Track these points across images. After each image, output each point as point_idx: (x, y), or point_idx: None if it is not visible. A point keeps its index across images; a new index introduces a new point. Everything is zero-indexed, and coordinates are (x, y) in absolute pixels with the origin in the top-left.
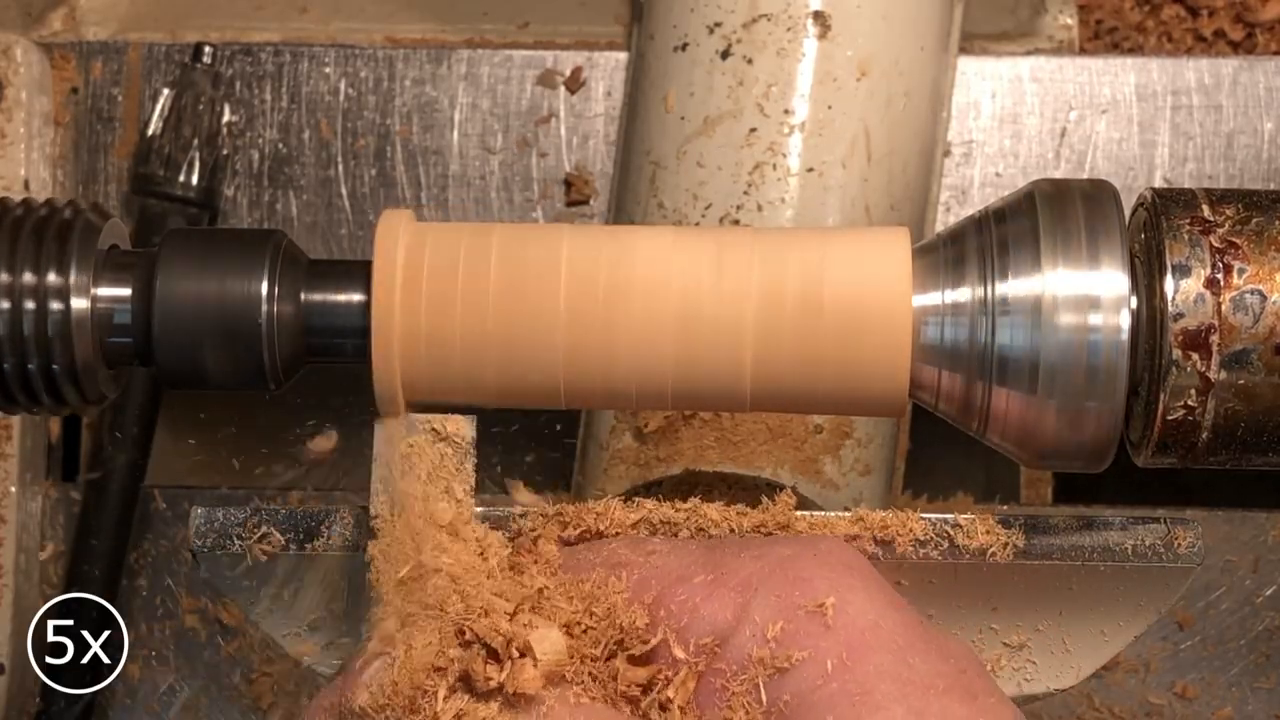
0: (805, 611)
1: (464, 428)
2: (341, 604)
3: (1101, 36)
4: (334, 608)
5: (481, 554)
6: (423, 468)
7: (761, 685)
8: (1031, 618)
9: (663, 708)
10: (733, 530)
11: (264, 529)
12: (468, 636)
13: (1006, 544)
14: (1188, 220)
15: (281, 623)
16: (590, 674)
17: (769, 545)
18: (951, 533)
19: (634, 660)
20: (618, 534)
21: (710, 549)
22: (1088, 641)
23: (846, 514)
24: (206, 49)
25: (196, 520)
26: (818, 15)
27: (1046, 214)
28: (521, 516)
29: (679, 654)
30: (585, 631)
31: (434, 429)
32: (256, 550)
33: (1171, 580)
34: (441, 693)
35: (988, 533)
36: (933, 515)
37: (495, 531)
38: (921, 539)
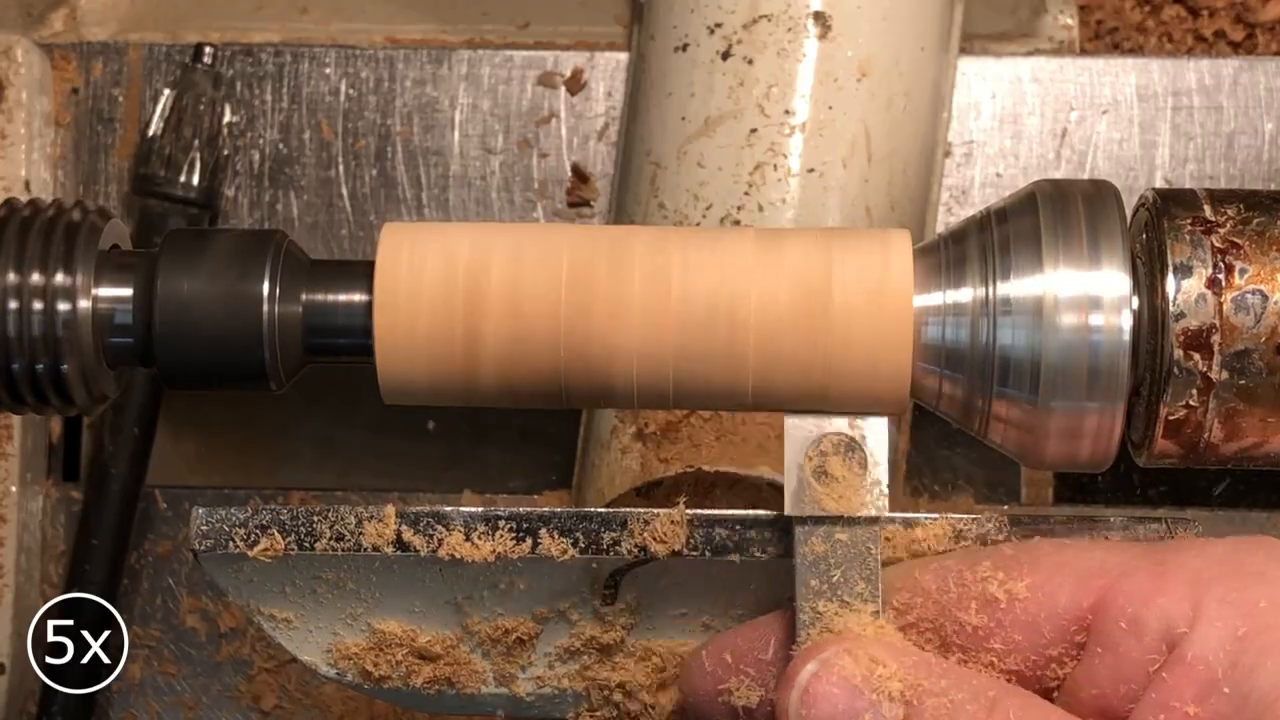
0: (1267, 606)
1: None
2: (343, 603)
3: (1102, 37)
4: (334, 606)
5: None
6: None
7: (1227, 682)
8: None
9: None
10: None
11: (265, 529)
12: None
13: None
14: (1189, 220)
15: (285, 621)
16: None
17: (1205, 543)
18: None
19: (1065, 657)
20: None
21: (1142, 547)
22: None
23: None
24: (207, 49)
25: (197, 520)
26: (818, 16)
27: (1048, 214)
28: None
29: (1135, 649)
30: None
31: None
32: (257, 550)
33: None
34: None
35: (990, 530)
36: (956, 515)
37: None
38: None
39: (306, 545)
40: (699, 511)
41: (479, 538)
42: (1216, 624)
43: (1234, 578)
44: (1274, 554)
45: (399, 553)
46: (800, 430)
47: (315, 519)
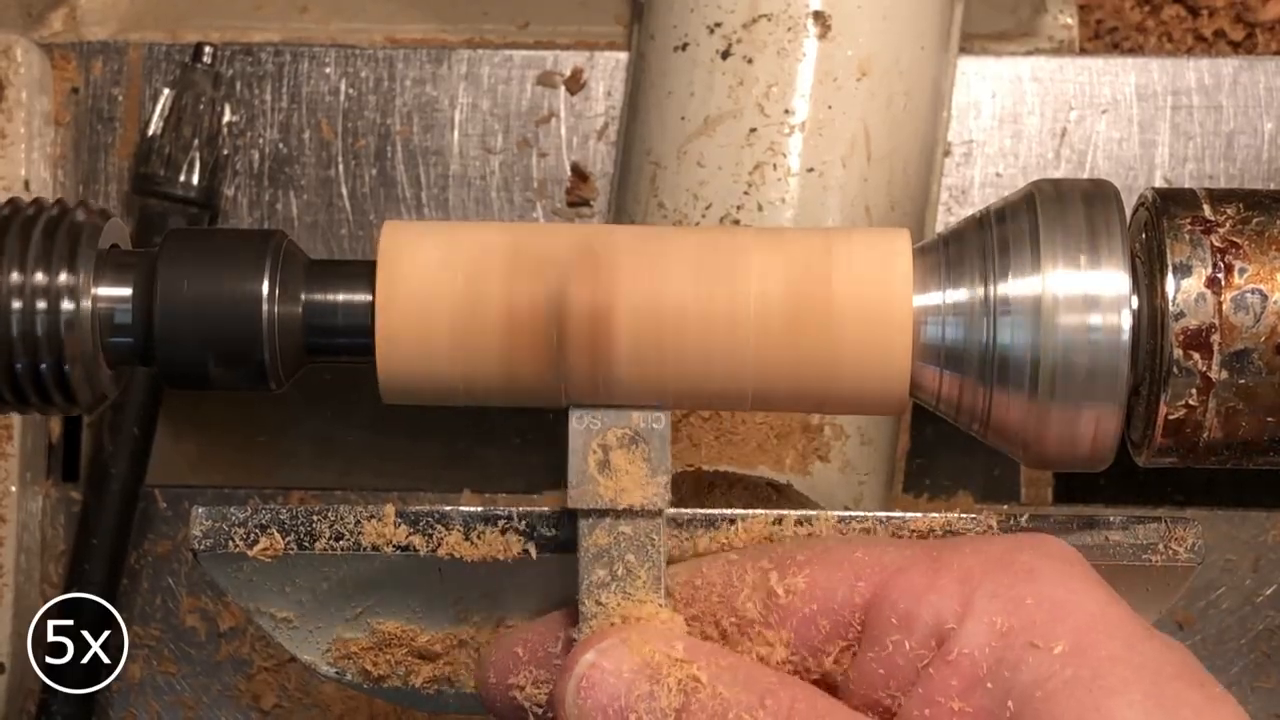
0: (1033, 603)
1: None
2: (343, 603)
3: (1102, 36)
4: (334, 606)
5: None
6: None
7: (991, 678)
8: None
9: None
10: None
11: (264, 528)
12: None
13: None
14: (1189, 220)
15: (285, 621)
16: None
17: (983, 540)
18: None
19: (842, 652)
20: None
21: (921, 544)
22: None
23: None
24: (207, 49)
25: (197, 520)
26: (818, 15)
27: (1047, 214)
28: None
29: (906, 644)
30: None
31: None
32: (257, 550)
33: (1171, 580)
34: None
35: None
36: (934, 514)
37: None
38: (922, 535)
39: (306, 545)
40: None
41: (479, 537)
42: (983, 620)
43: (1004, 575)
44: (1045, 551)
45: (399, 553)
46: (584, 423)
47: (315, 519)
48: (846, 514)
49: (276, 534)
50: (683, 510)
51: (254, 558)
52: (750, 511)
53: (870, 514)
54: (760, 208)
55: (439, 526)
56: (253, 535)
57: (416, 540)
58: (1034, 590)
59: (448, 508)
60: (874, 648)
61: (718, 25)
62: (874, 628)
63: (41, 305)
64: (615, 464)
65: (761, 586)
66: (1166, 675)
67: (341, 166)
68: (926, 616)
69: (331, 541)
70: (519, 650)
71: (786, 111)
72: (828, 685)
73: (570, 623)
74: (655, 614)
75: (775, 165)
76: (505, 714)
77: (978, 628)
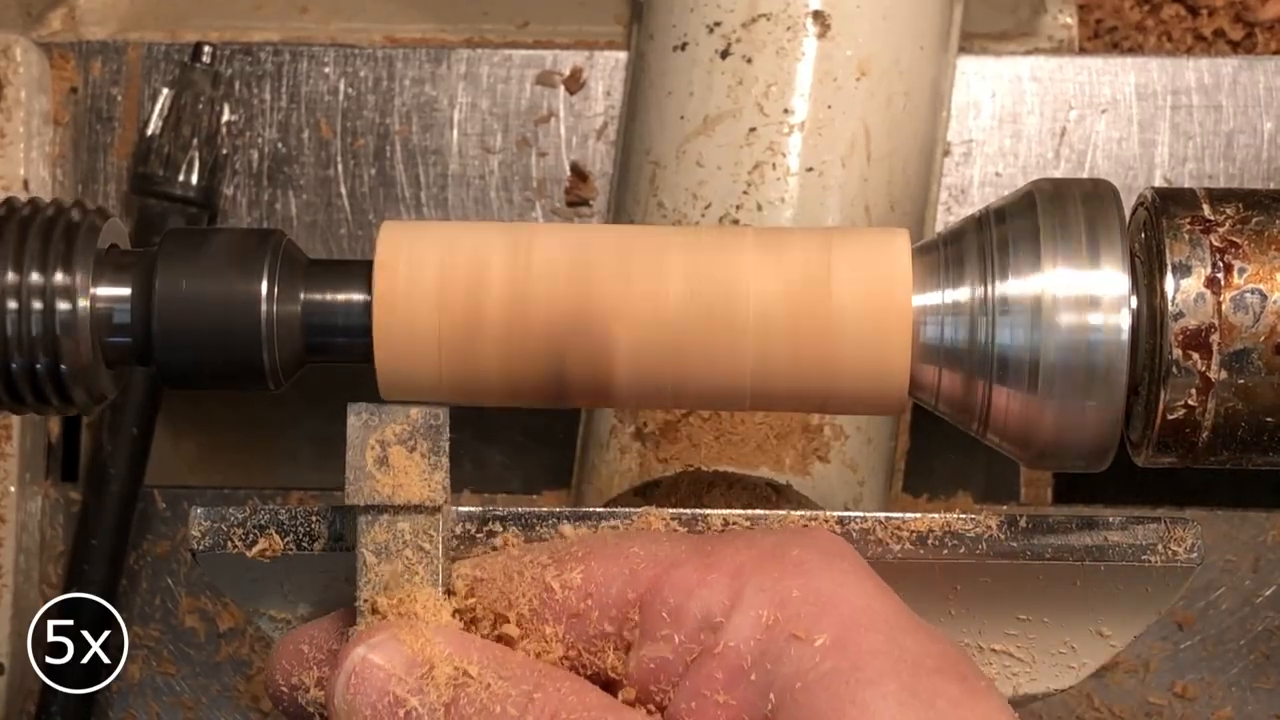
0: (799, 596)
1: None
2: (342, 603)
3: (1101, 36)
4: (333, 607)
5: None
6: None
7: (755, 670)
8: (1031, 617)
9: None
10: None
11: (263, 529)
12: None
13: (1004, 542)
14: (1188, 220)
15: (282, 620)
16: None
17: (757, 534)
18: (952, 531)
19: (619, 647)
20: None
21: (697, 539)
22: (1087, 641)
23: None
24: (206, 49)
25: (196, 520)
26: (817, 15)
27: (1046, 213)
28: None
29: (676, 638)
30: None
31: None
32: (256, 550)
33: (1171, 580)
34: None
35: (984, 529)
36: (934, 514)
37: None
38: (922, 535)
39: (305, 546)
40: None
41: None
42: (750, 613)
43: (773, 568)
44: (815, 544)
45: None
46: (362, 419)
47: (314, 519)
48: (846, 514)
49: (275, 535)
50: (683, 510)
51: (253, 558)
52: (745, 512)
53: (870, 514)
54: (760, 207)
55: None
56: (251, 536)
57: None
58: (801, 583)
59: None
60: (647, 643)
61: (717, 25)
62: (647, 623)
63: (40, 305)
64: (393, 460)
65: (539, 581)
66: (926, 668)
67: (340, 166)
68: (696, 610)
69: (330, 542)
70: (304, 648)
71: (786, 111)
72: (606, 682)
73: (351, 620)
74: (432, 610)
75: (774, 165)
76: (293, 714)
77: (744, 621)
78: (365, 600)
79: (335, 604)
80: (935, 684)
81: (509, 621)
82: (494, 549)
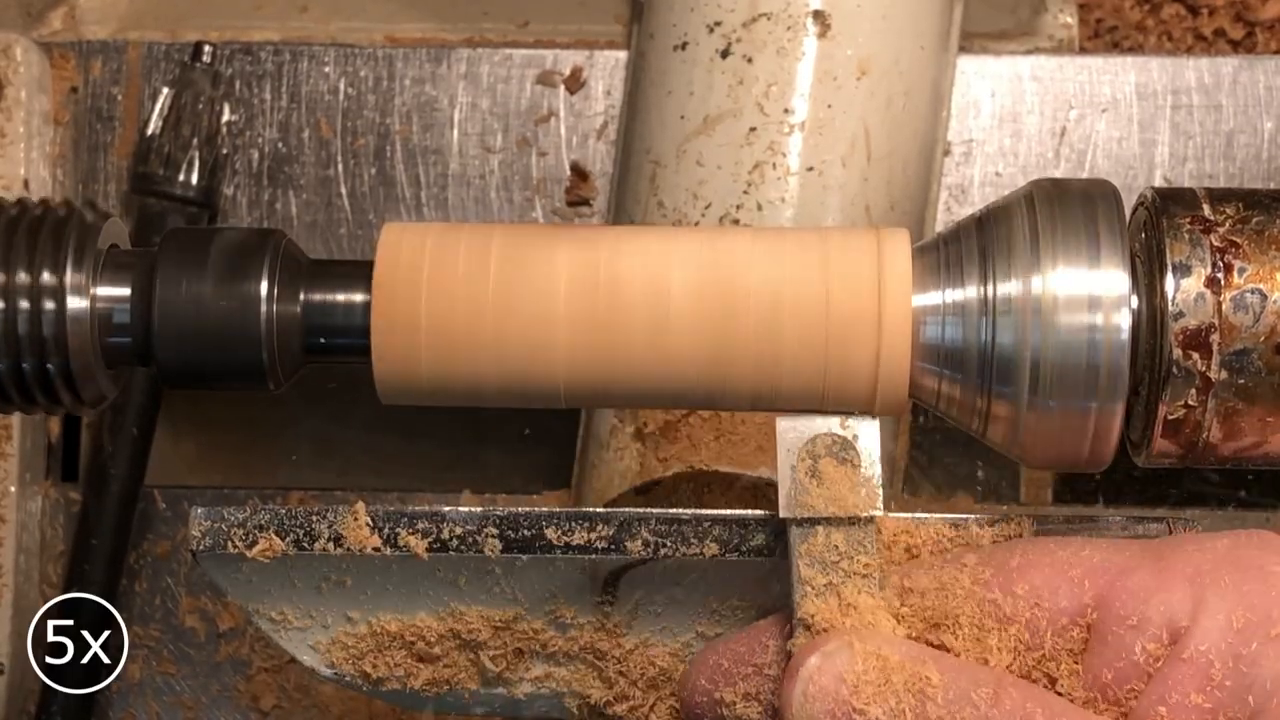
0: (1267, 598)
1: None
2: (342, 603)
3: (1101, 35)
4: (333, 605)
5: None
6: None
7: (1229, 674)
8: None
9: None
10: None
11: (263, 529)
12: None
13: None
14: (1188, 219)
15: (284, 622)
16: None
17: (1205, 538)
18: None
19: (1071, 655)
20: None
21: (1142, 544)
22: None
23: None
24: (206, 48)
25: (196, 520)
26: (818, 14)
27: (1046, 213)
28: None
29: (1138, 645)
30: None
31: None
32: (256, 550)
33: None
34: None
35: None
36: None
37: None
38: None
39: (305, 546)
40: (699, 511)
41: (478, 538)
42: (1218, 617)
43: (1234, 571)
44: (1272, 547)
45: (397, 553)
46: (793, 432)
47: (314, 519)
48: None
49: (275, 535)
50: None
51: (253, 558)
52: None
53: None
54: (760, 207)
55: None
56: (251, 536)
57: (413, 540)
58: (1265, 586)
59: (446, 508)
60: (1102, 649)
61: (717, 24)
62: (1103, 629)
63: (40, 305)
64: (824, 471)
65: (979, 591)
66: None
67: (341, 166)
68: (1158, 616)
69: (329, 542)
70: (724, 663)
71: (786, 111)
72: (1048, 687)
73: (779, 632)
74: (875, 619)
75: (775, 164)
76: None
77: (1212, 625)
78: (806, 613)
79: (331, 603)
80: None
81: (948, 630)
82: (912, 557)
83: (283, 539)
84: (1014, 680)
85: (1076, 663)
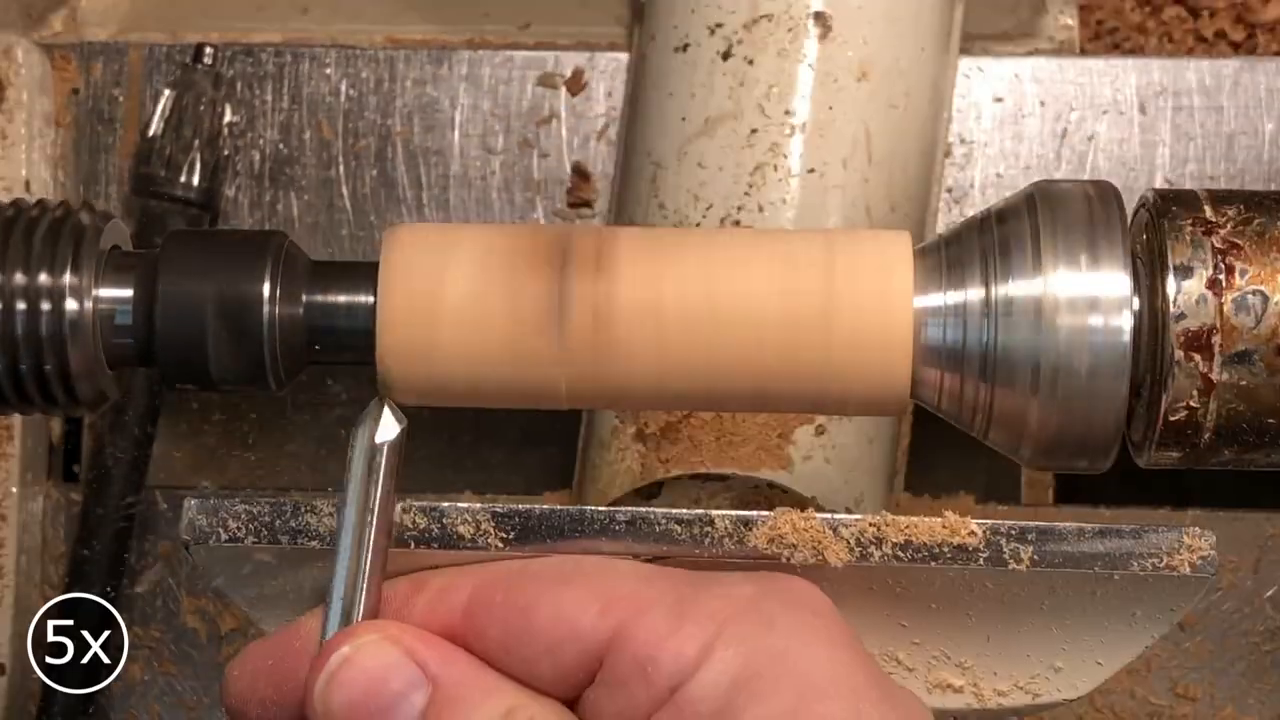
0: (766, 655)
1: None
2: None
3: (1102, 37)
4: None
5: None
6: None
7: None
8: (1041, 627)
9: None
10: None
11: (257, 520)
12: None
13: (1019, 552)
14: (1189, 221)
15: (275, 615)
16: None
17: (735, 581)
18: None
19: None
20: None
21: (674, 579)
22: (1099, 651)
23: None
24: (207, 50)
25: (189, 511)
26: (819, 16)
27: (1047, 215)
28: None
29: (642, 689)
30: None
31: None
32: (249, 541)
33: (1184, 590)
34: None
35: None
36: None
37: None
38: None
39: (299, 538)
40: (700, 512)
41: (479, 537)
42: (716, 668)
43: (745, 623)
44: (789, 599)
45: (396, 549)
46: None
47: (308, 511)
48: (834, 517)
49: (269, 526)
50: (670, 510)
51: (245, 551)
52: (735, 513)
53: (855, 517)
54: (761, 209)
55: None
56: (245, 527)
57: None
58: (769, 642)
59: (445, 504)
60: (610, 686)
61: (719, 26)
62: (612, 666)
63: (41, 306)
64: None
65: (514, 603)
66: None
67: (342, 167)
68: (667, 661)
69: (325, 535)
70: (261, 663)
71: (787, 112)
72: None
73: (310, 628)
74: (407, 612)
75: (776, 166)
76: None
77: (709, 676)
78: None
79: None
80: None
81: (488, 640)
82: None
83: (277, 530)
84: (532, 696)
85: (584, 692)
